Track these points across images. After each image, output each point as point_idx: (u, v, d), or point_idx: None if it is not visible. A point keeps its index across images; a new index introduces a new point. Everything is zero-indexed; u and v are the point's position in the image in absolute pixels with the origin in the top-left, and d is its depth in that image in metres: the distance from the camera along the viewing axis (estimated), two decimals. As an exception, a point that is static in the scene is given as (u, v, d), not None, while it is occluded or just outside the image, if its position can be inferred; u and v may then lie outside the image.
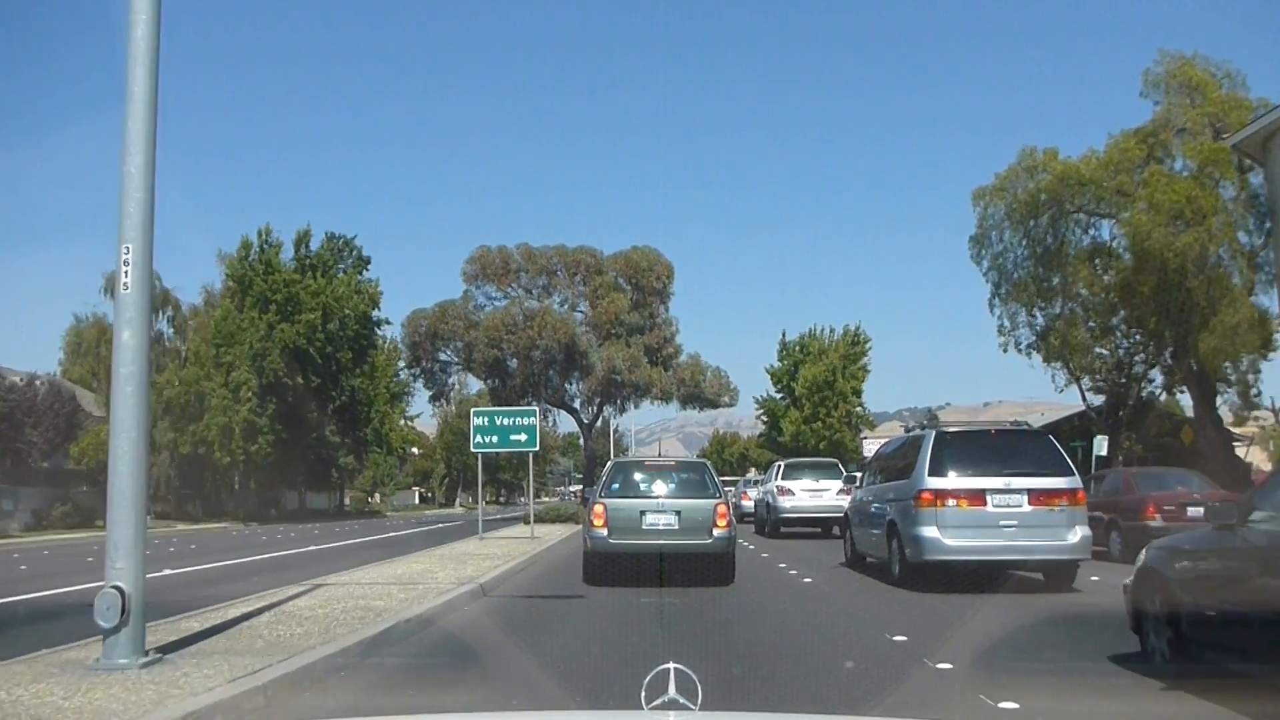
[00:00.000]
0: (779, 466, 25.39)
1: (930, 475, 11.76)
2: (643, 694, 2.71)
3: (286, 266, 54.94)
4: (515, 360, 38.99)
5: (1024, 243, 41.15)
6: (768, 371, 69.97)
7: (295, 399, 52.80)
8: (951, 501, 11.54)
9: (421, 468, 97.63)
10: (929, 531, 11.51)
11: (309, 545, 25.24)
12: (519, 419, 21.00)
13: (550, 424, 44.29)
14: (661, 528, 12.26)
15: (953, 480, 11.72)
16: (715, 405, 41.22)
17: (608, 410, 41.82)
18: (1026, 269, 41.37)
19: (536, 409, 20.33)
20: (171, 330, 56.60)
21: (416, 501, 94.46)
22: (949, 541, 11.43)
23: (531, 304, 38.20)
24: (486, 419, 21.05)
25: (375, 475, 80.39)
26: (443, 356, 40.78)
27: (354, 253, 61.52)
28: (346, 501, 74.73)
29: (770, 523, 23.94)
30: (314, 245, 57.60)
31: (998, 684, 6.03)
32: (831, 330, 67.69)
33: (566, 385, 40.48)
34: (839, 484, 22.50)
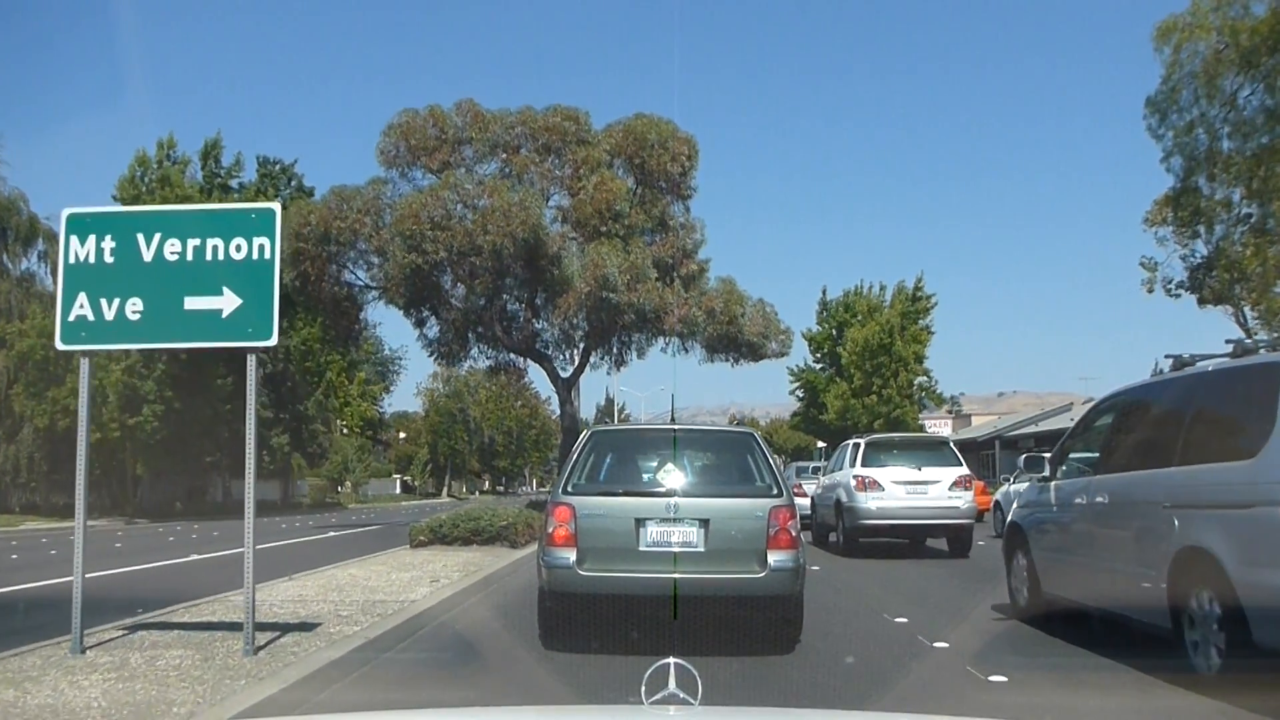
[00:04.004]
0: (857, 447, 16.35)
1: None
2: (643, 689, 2.44)
3: (194, 184, 40.21)
4: (449, 275, 23.80)
5: (1226, 113, 25.85)
6: (805, 336, 54.80)
7: (192, 357, 37.86)
8: None
9: (406, 452, 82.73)
10: None
11: None
12: (215, 233, 5.88)
13: (522, 381, 29.34)
14: (676, 549, 6.51)
15: None
16: (758, 354, 25.93)
17: (597, 358, 26.56)
18: (1229, 146, 26.11)
19: (276, 210, 4.82)
20: (46, 269, 41.72)
21: (398, 491, 79.44)
22: None
23: (472, 191, 22.95)
24: (110, 244, 5.95)
25: (343, 460, 65.38)
26: (347, 277, 25.66)
27: (293, 182, 46.78)
28: (304, 491, 59.69)
29: (845, 531, 15.75)
30: (235, 163, 42.97)
31: None
32: (883, 287, 52.57)
33: (534, 319, 25.20)
34: (954, 473, 15.37)
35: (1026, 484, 9.31)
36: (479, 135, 24.37)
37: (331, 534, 23.87)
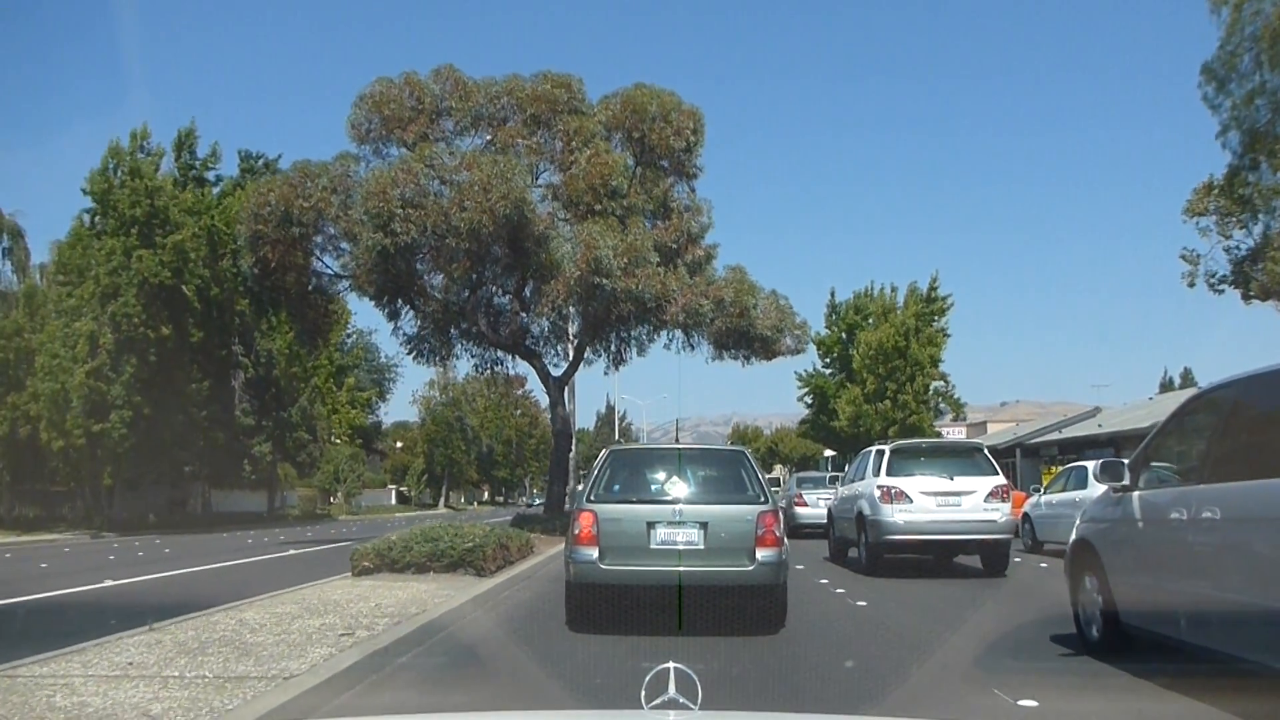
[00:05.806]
0: (881, 454, 14.39)
1: None
2: (643, 693, 2.47)
3: (167, 176, 37.55)
4: (426, 260, 20.98)
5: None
6: (813, 341, 51.93)
7: (162, 360, 35.13)
8: None
9: (403, 462, 79.76)
10: None
11: None
12: None
13: (521, 390, 26.61)
14: (680, 547, 7.87)
15: None
16: (772, 350, 23.06)
17: (593, 354, 23.71)
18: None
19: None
20: (10, 267, 39.13)
21: (393, 501, 76.46)
22: None
23: (449, 165, 20.13)
24: None
25: (334, 470, 62.38)
26: (314, 264, 22.84)
27: (276, 177, 44.06)
28: (293, 502, 56.71)
29: (869, 547, 13.67)
30: (210, 154, 40.35)
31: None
32: (894, 288, 49.73)
33: (522, 311, 22.35)
34: (990, 483, 13.37)
35: (1098, 492, 7.94)
36: (460, 105, 21.63)
37: (290, 551, 20.98)
